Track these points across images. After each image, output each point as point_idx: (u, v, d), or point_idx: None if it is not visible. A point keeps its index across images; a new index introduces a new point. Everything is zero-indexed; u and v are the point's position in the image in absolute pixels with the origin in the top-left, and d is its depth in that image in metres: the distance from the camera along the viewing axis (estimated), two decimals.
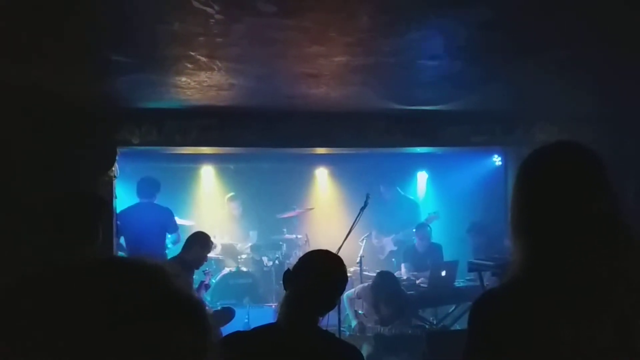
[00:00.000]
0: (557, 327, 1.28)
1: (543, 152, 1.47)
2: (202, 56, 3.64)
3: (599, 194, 1.38)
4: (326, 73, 4.11)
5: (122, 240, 6.31)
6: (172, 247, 6.42)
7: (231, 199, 8.31)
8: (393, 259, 7.86)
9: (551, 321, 1.29)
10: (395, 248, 8.11)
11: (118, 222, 5.95)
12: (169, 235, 6.50)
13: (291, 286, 2.13)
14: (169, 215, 6.56)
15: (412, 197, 8.65)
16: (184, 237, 5.76)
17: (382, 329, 5.65)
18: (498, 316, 1.37)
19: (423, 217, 8.02)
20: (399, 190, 8.44)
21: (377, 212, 7.79)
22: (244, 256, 7.90)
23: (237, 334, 2.22)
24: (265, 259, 7.98)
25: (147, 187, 6.55)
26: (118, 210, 6.47)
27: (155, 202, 6.62)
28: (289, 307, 2.09)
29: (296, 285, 2.12)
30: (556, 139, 1.50)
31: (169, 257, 5.89)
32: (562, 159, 1.43)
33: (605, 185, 1.39)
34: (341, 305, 5.17)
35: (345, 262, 5.92)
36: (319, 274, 2.15)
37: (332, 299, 2.15)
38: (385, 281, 5.82)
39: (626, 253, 1.34)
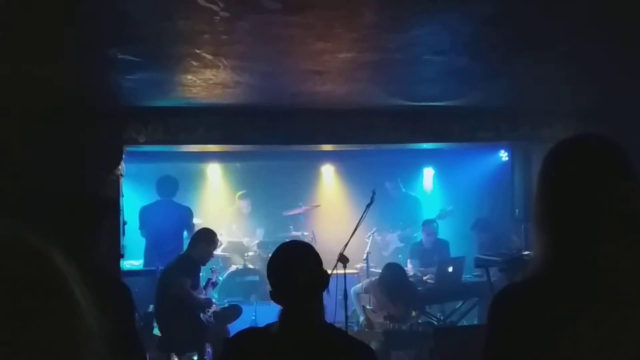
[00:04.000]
0: (578, 323, 1.26)
1: (567, 144, 1.45)
2: (208, 54, 3.64)
3: (624, 187, 1.36)
4: (331, 70, 4.10)
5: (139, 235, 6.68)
6: None
7: (242, 197, 8.33)
8: (400, 255, 7.85)
9: (573, 317, 1.27)
10: (401, 245, 8.11)
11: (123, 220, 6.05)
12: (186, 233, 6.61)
13: (279, 293, 2.09)
14: (189, 214, 6.80)
15: (414, 194, 8.64)
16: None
17: (390, 326, 5.65)
18: (519, 311, 1.35)
19: (426, 214, 8.00)
20: (402, 187, 8.44)
21: (381, 208, 7.79)
22: (250, 253, 7.91)
23: (249, 331, 2.22)
24: None
25: (166, 186, 6.81)
26: (139, 208, 6.71)
27: (175, 199, 6.84)
28: (290, 307, 2.07)
29: (281, 288, 2.09)
30: (581, 132, 1.48)
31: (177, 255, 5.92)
32: (587, 151, 1.40)
33: (631, 179, 1.37)
34: (348, 301, 5.17)
35: (352, 259, 5.96)
36: (287, 268, 2.08)
37: (315, 274, 2.08)
38: (392, 273, 5.82)
39: None
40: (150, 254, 6.60)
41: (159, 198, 6.84)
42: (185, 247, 6.42)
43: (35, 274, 0.68)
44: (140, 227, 6.77)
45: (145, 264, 6.59)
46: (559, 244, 1.37)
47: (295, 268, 2.07)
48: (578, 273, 1.32)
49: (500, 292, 1.45)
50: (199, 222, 7.29)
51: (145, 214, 6.77)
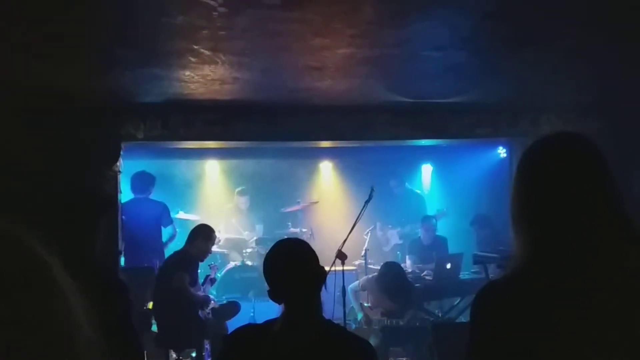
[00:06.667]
0: (557, 319, 1.29)
1: (543, 143, 1.47)
2: (206, 50, 3.63)
3: (599, 185, 1.38)
4: (330, 66, 4.09)
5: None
6: (172, 245, 6.43)
7: (241, 193, 8.31)
8: (398, 252, 7.86)
9: (552, 313, 1.30)
10: (401, 241, 8.11)
11: (123, 217, 6.00)
12: (164, 229, 6.54)
13: (276, 292, 2.09)
14: (163, 209, 6.60)
15: (418, 191, 8.65)
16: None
17: (388, 322, 5.65)
18: (500, 307, 1.37)
19: (429, 211, 8.00)
20: (406, 184, 8.44)
21: (383, 204, 7.80)
22: (249, 250, 7.91)
23: (248, 327, 2.22)
24: None
25: (140, 183, 6.55)
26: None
27: (151, 197, 6.62)
28: (288, 305, 2.07)
29: (278, 286, 2.08)
30: (557, 130, 1.49)
31: (172, 252, 5.91)
32: (563, 150, 1.42)
33: (606, 176, 1.39)
34: (346, 298, 5.17)
35: (350, 255, 5.96)
36: (284, 264, 2.09)
37: (313, 272, 2.08)
38: (391, 272, 5.82)
39: (627, 245, 1.33)
40: (128, 252, 6.33)
41: (133, 196, 6.57)
42: (164, 241, 6.47)
43: (12, 264, 0.68)
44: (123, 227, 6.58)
45: (125, 262, 6.41)
46: (537, 241, 1.38)
47: (291, 266, 2.07)
48: (557, 269, 1.33)
49: (482, 289, 1.47)
50: (197, 218, 7.28)
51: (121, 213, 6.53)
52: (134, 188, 6.54)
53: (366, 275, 6.58)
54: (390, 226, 8.19)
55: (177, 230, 6.62)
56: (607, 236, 1.33)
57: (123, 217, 5.98)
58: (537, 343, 1.29)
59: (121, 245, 5.86)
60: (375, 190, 5.46)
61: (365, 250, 7.18)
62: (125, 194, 6.47)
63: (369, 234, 7.43)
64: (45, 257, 0.72)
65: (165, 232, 6.58)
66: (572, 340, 1.27)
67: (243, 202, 8.31)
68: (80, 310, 0.72)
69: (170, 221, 6.57)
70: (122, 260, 6.36)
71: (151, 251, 6.09)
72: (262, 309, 6.50)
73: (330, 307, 4.89)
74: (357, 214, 5.40)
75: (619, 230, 1.34)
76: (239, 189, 8.35)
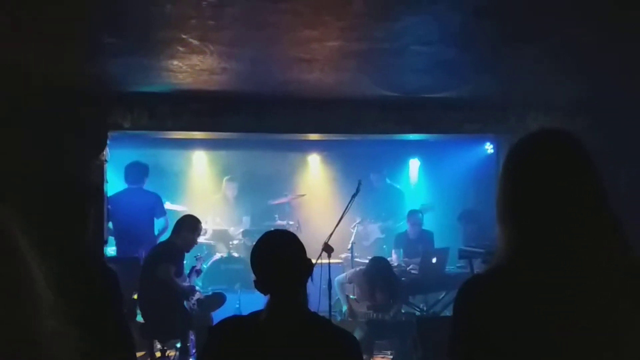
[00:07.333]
0: (542, 312, 1.30)
1: (530, 139, 1.48)
2: (194, 39, 3.60)
3: (584, 180, 1.39)
4: (319, 58, 4.08)
5: (110, 225, 6.26)
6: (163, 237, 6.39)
7: (230, 179, 8.30)
8: (384, 246, 7.88)
9: (536, 307, 1.30)
10: (382, 235, 8.15)
11: (109, 207, 5.94)
12: (156, 221, 6.50)
13: (262, 282, 2.09)
14: (157, 200, 6.55)
15: (398, 186, 8.68)
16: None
17: (373, 315, 5.68)
18: (482, 302, 1.38)
19: (409, 206, 8.04)
20: (387, 179, 8.47)
21: (364, 199, 7.83)
22: (235, 242, 7.89)
23: (233, 319, 2.22)
24: None
25: (135, 173, 6.47)
26: (109, 195, 6.45)
27: (144, 187, 6.56)
28: (274, 295, 2.07)
29: (264, 277, 2.09)
30: (544, 127, 1.50)
31: (160, 241, 5.89)
32: (549, 146, 1.44)
33: (591, 172, 1.40)
34: (332, 290, 5.18)
35: (337, 248, 5.94)
36: (270, 254, 2.10)
37: (300, 263, 2.09)
38: (378, 267, 5.84)
39: (610, 241, 1.35)
40: (121, 243, 6.36)
41: (127, 186, 6.51)
42: (156, 233, 6.41)
43: None
44: (108, 218, 6.52)
45: (117, 253, 6.35)
46: (520, 236, 1.39)
47: (278, 257, 2.08)
48: (538, 265, 1.34)
49: (465, 282, 1.48)
50: (184, 209, 7.24)
51: (113, 203, 6.34)
52: (127, 178, 6.48)
53: (352, 268, 6.60)
54: (371, 220, 8.22)
55: (169, 222, 6.57)
56: (593, 231, 1.34)
57: (109, 206, 5.94)
58: (520, 337, 1.30)
59: (106, 235, 5.81)
60: (362, 184, 5.47)
61: (352, 243, 7.20)
62: (115, 183, 6.41)
63: (356, 227, 7.45)
64: (8, 229, 0.76)
65: (158, 224, 6.53)
66: (556, 333, 1.28)
67: (231, 188, 8.28)
68: (41, 278, 0.75)
69: (163, 212, 6.52)
70: (115, 250, 6.36)
71: (143, 242, 6.02)
72: (247, 300, 6.50)
73: (316, 299, 4.90)
74: (344, 208, 5.40)
75: (604, 225, 1.35)
76: (228, 176, 8.34)
